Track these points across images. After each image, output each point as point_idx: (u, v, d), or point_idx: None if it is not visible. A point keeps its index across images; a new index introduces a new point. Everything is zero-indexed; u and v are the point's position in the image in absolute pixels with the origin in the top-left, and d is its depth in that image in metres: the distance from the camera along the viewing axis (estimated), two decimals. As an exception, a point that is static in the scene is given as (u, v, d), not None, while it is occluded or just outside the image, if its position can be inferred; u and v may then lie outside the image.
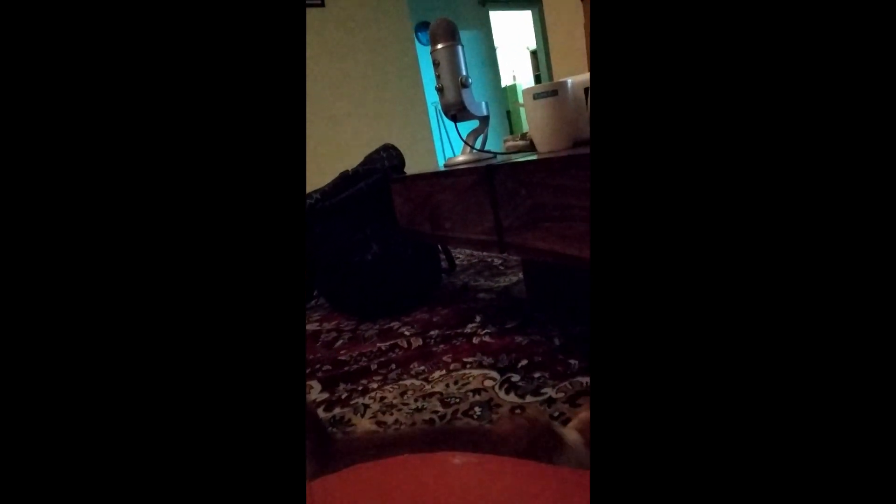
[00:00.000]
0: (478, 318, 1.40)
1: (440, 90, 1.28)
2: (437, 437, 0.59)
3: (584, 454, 0.56)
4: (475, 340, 1.25)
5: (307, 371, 1.23)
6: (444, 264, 1.90)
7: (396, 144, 1.94)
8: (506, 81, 6.60)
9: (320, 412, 1.00)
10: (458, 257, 2.19)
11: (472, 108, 1.30)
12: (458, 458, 0.30)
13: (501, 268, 1.94)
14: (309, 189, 1.72)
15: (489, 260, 2.10)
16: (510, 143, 1.36)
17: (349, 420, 0.95)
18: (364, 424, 0.92)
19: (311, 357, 1.33)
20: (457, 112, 1.30)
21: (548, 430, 0.58)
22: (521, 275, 1.77)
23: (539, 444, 0.56)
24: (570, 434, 0.58)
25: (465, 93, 1.27)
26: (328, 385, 1.13)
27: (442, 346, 1.25)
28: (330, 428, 0.82)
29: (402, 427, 0.89)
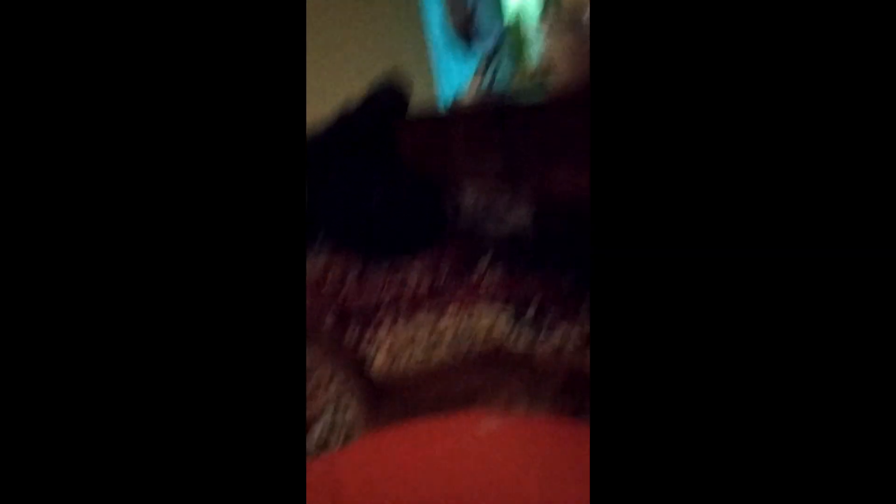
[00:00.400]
0: (487, 258, 1.38)
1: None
2: (486, 363, 0.59)
3: None
4: (485, 280, 1.24)
5: (316, 314, 1.23)
6: (452, 202, 1.87)
7: (395, 74, 1.83)
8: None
9: (332, 351, 1.00)
10: (465, 196, 2.14)
11: (483, 26, 1.21)
12: (483, 427, 0.28)
13: (509, 206, 1.91)
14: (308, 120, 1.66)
15: (496, 199, 2.06)
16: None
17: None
18: (378, 362, 0.92)
19: (319, 299, 1.33)
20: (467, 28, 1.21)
21: (583, 372, 0.58)
22: (528, 213, 1.73)
23: (576, 384, 0.56)
24: None
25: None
26: (338, 324, 1.13)
27: (452, 284, 1.24)
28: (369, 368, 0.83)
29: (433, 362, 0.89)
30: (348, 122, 1.54)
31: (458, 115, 1.07)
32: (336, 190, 1.55)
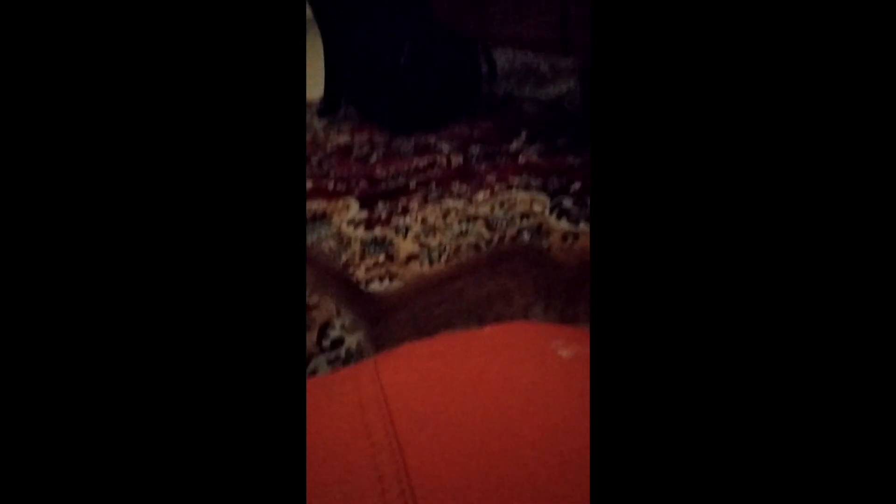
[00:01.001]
0: (523, 134, 1.27)
1: None
2: (491, 262, 0.54)
3: None
4: (521, 160, 1.15)
5: (343, 189, 1.18)
6: (483, 69, 1.69)
7: None
8: None
9: (361, 231, 0.97)
10: (499, 60, 1.93)
11: None
12: (565, 350, 0.24)
13: (549, 75, 1.72)
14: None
15: (535, 65, 1.86)
16: None
17: (391, 241, 0.92)
18: (407, 246, 0.89)
19: (346, 173, 1.27)
20: None
21: (581, 268, 0.54)
22: (573, 83, 1.56)
23: (575, 285, 0.53)
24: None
25: None
26: (366, 203, 1.08)
27: (484, 164, 1.16)
28: (366, 286, 0.79)
29: (448, 254, 0.86)
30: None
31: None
32: (360, 48, 1.40)
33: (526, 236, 0.86)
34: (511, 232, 0.88)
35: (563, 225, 0.87)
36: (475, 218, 0.95)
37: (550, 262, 0.56)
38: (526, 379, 0.22)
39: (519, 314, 0.52)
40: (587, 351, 0.24)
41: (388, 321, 0.52)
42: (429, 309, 0.52)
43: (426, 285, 0.54)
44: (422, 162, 1.24)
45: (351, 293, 0.54)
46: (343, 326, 0.70)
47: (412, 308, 0.52)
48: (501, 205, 0.97)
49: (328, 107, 1.71)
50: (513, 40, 0.96)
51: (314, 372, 0.64)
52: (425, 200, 1.05)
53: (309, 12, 1.50)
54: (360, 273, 0.84)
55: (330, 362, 0.65)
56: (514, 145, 1.23)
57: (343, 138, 1.51)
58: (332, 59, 1.56)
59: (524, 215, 0.92)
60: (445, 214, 0.98)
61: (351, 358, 0.66)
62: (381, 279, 0.81)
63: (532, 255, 0.56)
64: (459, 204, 1.01)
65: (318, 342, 0.68)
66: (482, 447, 0.17)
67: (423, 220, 0.97)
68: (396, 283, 0.79)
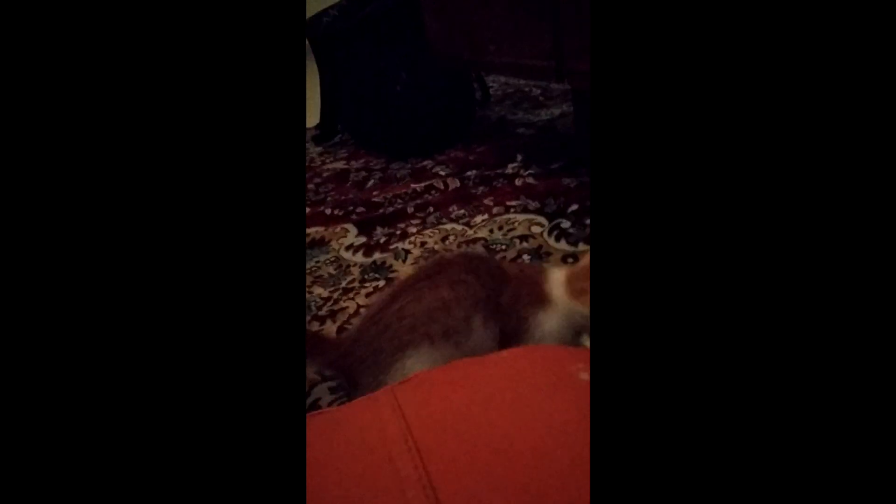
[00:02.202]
0: (519, 157, 1.29)
1: None
2: (428, 275, 0.53)
3: (569, 307, 0.53)
4: (518, 182, 1.16)
5: (341, 214, 1.18)
6: (477, 95, 1.71)
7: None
8: None
9: (359, 257, 0.97)
10: (492, 85, 1.97)
11: None
12: (584, 374, 0.23)
13: (541, 98, 1.75)
14: None
15: (527, 90, 1.89)
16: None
17: (391, 266, 0.92)
18: (407, 270, 0.89)
19: (343, 198, 1.27)
20: None
21: (534, 283, 0.53)
22: (565, 107, 1.59)
23: (524, 298, 0.53)
24: (556, 289, 0.53)
25: None
26: (364, 228, 1.08)
27: (482, 188, 1.17)
28: (321, 328, 0.78)
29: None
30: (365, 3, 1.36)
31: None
32: (355, 77, 1.42)
33: (527, 258, 0.86)
34: (511, 254, 0.88)
35: (563, 246, 0.87)
36: (474, 241, 0.95)
37: (487, 269, 0.54)
38: (550, 405, 0.21)
39: (462, 326, 0.50)
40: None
41: (350, 364, 0.51)
42: (378, 337, 0.51)
43: (370, 315, 0.53)
44: (419, 186, 1.25)
45: (310, 346, 0.53)
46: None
47: (366, 342, 0.51)
48: (500, 227, 0.98)
49: (324, 135, 1.72)
50: (506, 67, 0.98)
51: (317, 401, 0.63)
52: (424, 224, 1.05)
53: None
54: (360, 299, 0.84)
55: (332, 390, 0.64)
56: (511, 168, 1.24)
57: (339, 164, 1.52)
58: (328, 87, 1.58)
59: (523, 237, 0.92)
60: (445, 238, 0.98)
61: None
62: (382, 304, 0.81)
63: (468, 263, 0.54)
64: (458, 227, 1.01)
65: (320, 370, 0.67)
66: (513, 477, 0.17)
67: (423, 244, 0.97)
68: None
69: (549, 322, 0.52)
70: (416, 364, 0.49)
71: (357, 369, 0.51)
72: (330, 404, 0.62)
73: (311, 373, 0.63)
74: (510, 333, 0.52)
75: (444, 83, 1.43)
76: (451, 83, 1.46)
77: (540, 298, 0.53)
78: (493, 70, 1.02)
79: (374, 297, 0.80)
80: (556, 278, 0.54)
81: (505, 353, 0.29)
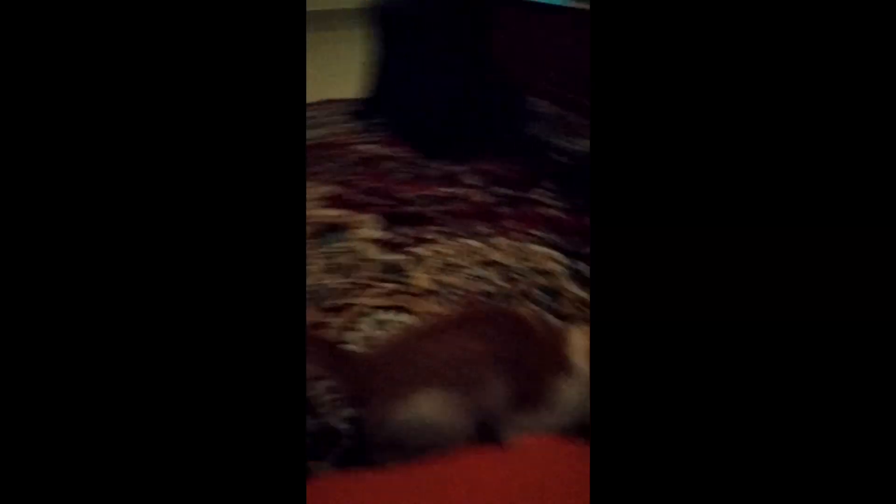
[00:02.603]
0: (550, 185, 1.29)
1: None
2: (461, 323, 0.54)
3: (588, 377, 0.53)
4: (544, 211, 1.16)
5: (363, 201, 1.18)
6: (522, 112, 1.71)
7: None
8: None
9: (374, 252, 0.97)
10: (537, 109, 1.96)
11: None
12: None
13: (580, 130, 1.74)
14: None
15: (567, 119, 1.88)
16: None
17: (406, 270, 0.92)
18: (421, 281, 0.89)
19: (374, 185, 1.27)
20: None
21: (556, 348, 0.54)
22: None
23: (545, 361, 0.53)
24: (578, 356, 0.54)
25: None
26: (384, 223, 1.08)
27: (507, 208, 1.17)
28: (349, 345, 0.78)
29: (459, 297, 0.86)
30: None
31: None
32: (412, 65, 1.41)
33: (538, 294, 0.86)
34: (523, 286, 0.88)
35: (578, 292, 0.87)
36: (491, 263, 0.95)
37: (514, 326, 0.55)
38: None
39: (477, 379, 0.51)
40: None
41: (365, 385, 0.52)
42: (395, 367, 0.52)
43: (394, 344, 0.55)
44: (445, 192, 1.25)
45: (336, 360, 0.54)
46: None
47: (382, 367, 0.53)
48: (517, 254, 0.98)
49: (367, 111, 1.71)
50: (551, 94, 0.98)
51: (315, 397, 0.64)
52: (444, 234, 1.05)
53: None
54: (367, 300, 0.84)
55: (332, 390, 0.64)
56: (537, 194, 1.24)
57: (371, 147, 1.52)
58: (379, 64, 1.57)
59: (539, 271, 0.93)
60: (463, 253, 0.98)
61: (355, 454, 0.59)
62: (390, 308, 0.81)
63: (497, 317, 0.56)
64: (477, 244, 1.01)
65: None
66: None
67: (441, 254, 0.97)
68: (399, 327, 0.79)
69: (569, 391, 0.53)
70: (424, 404, 0.50)
71: (367, 388, 0.52)
72: (329, 404, 0.63)
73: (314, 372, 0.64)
74: (525, 396, 0.53)
75: (495, 93, 1.43)
76: (502, 95, 1.45)
77: (561, 365, 0.54)
78: (540, 93, 1.02)
79: (398, 330, 0.80)
80: (579, 345, 0.55)
81: (516, 443, 0.29)
